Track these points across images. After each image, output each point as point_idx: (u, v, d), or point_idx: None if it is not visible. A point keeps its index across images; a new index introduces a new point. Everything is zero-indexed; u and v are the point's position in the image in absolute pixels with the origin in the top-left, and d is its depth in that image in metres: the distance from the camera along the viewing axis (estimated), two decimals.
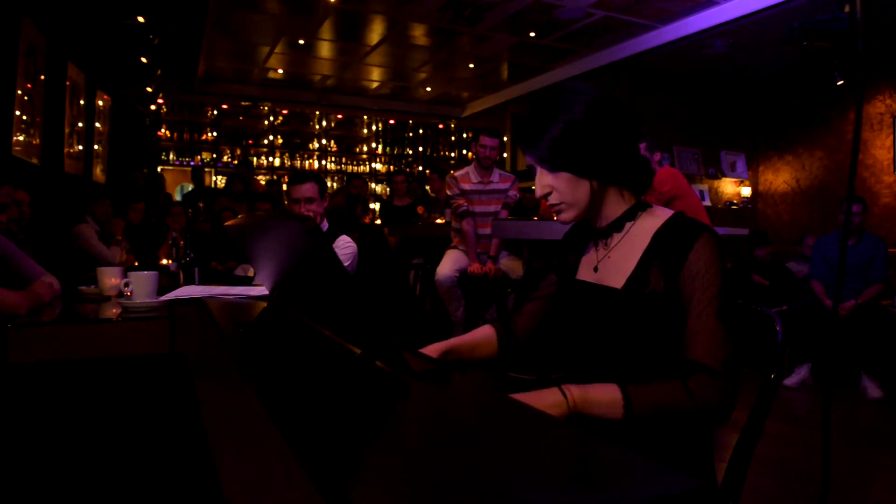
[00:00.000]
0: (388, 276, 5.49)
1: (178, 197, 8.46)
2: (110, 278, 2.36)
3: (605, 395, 1.04)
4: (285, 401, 0.83)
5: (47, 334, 1.76)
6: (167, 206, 6.09)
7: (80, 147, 5.92)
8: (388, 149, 10.05)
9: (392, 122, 10.02)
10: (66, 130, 5.41)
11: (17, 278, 2.10)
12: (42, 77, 4.67)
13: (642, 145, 3.84)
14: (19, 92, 4.22)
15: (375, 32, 6.44)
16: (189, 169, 8.85)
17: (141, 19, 5.02)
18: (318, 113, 9.53)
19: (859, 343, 4.08)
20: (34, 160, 4.57)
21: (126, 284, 2.09)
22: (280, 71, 8.00)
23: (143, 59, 6.12)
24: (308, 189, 2.71)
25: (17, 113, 4.23)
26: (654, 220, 1.20)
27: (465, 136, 10.48)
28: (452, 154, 10.53)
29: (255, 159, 9.14)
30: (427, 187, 7.67)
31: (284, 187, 8.23)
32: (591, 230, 1.27)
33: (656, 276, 1.13)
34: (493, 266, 4.05)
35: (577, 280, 1.28)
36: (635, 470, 0.60)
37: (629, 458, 0.62)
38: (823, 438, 1.52)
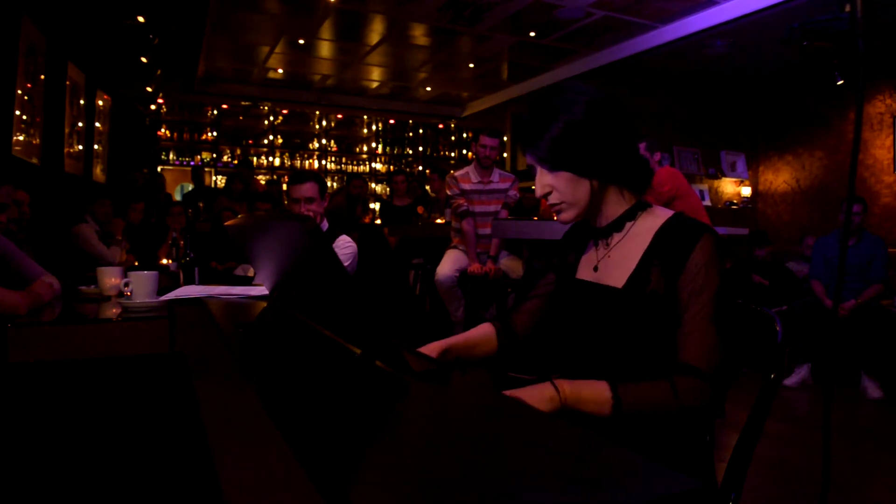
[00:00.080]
0: (388, 276, 5.49)
1: (178, 197, 8.46)
2: (110, 278, 2.36)
3: (594, 394, 1.06)
4: (285, 401, 0.83)
5: (47, 334, 1.76)
6: (167, 206, 6.09)
7: (80, 147, 5.92)
8: (388, 149, 10.04)
9: (392, 121, 10.02)
10: (66, 130, 5.41)
11: (17, 278, 2.10)
12: (42, 77, 4.67)
13: (642, 145, 3.84)
14: (19, 92, 4.22)
15: (375, 32, 6.44)
16: (189, 169, 8.84)
17: (141, 19, 5.02)
18: (318, 113, 9.53)
19: (859, 343, 4.08)
20: (34, 160, 4.57)
21: (126, 284, 2.09)
22: (280, 71, 8.00)
23: (143, 59, 6.12)
24: (308, 189, 2.71)
25: (17, 113, 4.23)
26: (654, 219, 1.20)
27: (465, 136, 10.48)
28: (452, 154, 10.53)
29: (255, 159, 9.14)
30: (427, 187, 7.66)
31: (284, 187, 8.22)
32: (591, 230, 1.27)
33: (657, 275, 1.13)
34: (493, 266, 4.05)
35: (576, 279, 1.28)
36: (635, 470, 0.60)
37: (629, 458, 0.62)
38: (823, 438, 1.52)
